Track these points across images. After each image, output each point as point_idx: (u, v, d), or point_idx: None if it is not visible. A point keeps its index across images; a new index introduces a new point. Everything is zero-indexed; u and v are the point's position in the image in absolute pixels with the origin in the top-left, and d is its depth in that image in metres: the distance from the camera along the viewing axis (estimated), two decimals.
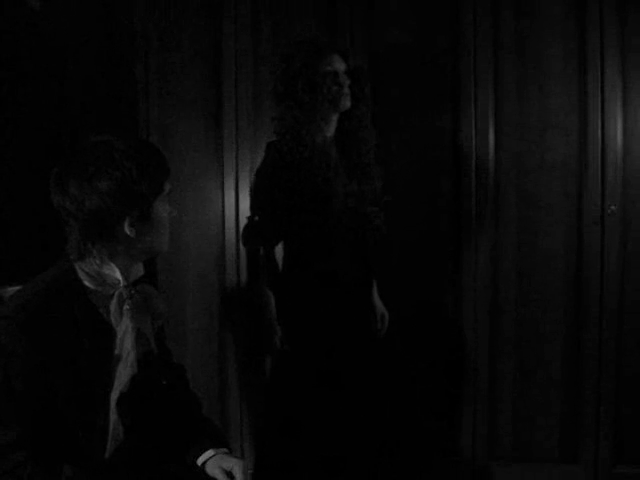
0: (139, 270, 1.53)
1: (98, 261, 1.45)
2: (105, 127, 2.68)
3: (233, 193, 2.70)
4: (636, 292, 2.60)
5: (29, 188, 2.47)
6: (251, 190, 2.25)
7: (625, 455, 2.63)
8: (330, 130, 2.21)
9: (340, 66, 2.16)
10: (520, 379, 2.68)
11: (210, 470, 1.54)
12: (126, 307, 1.47)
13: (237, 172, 2.70)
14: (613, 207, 2.57)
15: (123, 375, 1.46)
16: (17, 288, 1.51)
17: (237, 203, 2.70)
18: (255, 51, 2.69)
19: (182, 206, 2.66)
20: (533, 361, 2.67)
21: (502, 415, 2.70)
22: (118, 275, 1.46)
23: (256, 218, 2.24)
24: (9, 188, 2.50)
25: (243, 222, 2.74)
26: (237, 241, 2.70)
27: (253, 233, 2.24)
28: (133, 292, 1.49)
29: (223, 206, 2.71)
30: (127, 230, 1.43)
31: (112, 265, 1.46)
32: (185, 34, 2.73)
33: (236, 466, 1.52)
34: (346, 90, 2.15)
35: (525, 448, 2.69)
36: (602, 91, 2.56)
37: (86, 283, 1.45)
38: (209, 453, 1.57)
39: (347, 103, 2.16)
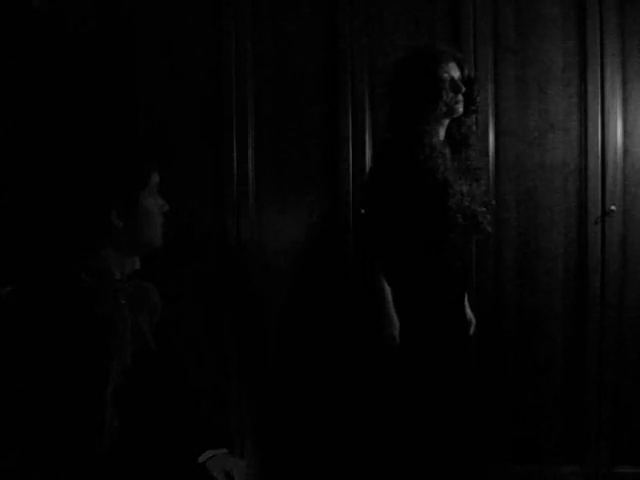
0: (134, 264, 1.52)
1: (91, 255, 1.45)
2: (103, 122, 2.70)
3: (234, 191, 2.72)
4: (637, 292, 2.61)
5: (27, 186, 2.49)
6: (368, 186, 2.28)
7: (625, 455, 2.64)
8: (442, 134, 2.27)
9: (455, 73, 2.23)
10: (521, 379, 2.68)
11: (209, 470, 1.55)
12: (122, 301, 1.47)
13: (237, 168, 2.72)
14: (613, 207, 2.57)
15: (119, 369, 1.45)
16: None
17: (238, 200, 2.71)
18: (256, 51, 2.70)
19: (182, 202, 2.67)
20: (534, 361, 2.67)
21: (503, 415, 2.69)
22: (112, 269, 1.46)
23: (373, 214, 2.25)
24: (7, 188, 2.51)
25: (244, 219, 2.74)
26: (238, 234, 2.70)
27: (371, 228, 2.24)
28: (128, 286, 1.49)
29: (223, 202, 2.72)
30: (115, 222, 1.43)
31: (105, 259, 1.46)
32: (186, 31, 2.74)
33: (235, 467, 1.53)
34: (460, 97, 2.22)
35: (525, 448, 2.69)
36: (602, 91, 2.56)
37: (81, 278, 1.44)
38: (208, 454, 1.57)
39: (460, 109, 2.23)
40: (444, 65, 2.21)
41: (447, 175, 2.20)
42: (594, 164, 2.58)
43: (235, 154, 2.72)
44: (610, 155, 2.57)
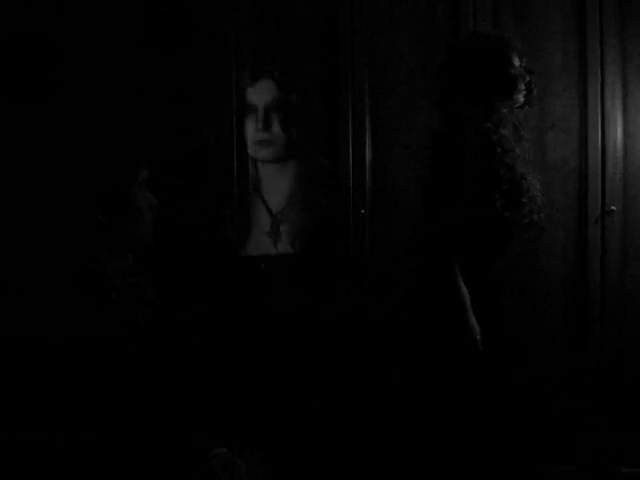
0: (126, 260, 1.52)
1: (82, 252, 1.45)
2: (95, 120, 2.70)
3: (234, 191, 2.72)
4: (637, 292, 2.61)
5: (17, 184, 2.49)
6: (435, 182, 2.13)
7: (626, 456, 2.63)
8: None
9: (517, 62, 2.14)
10: (520, 379, 2.68)
11: None
12: (112, 296, 1.47)
13: (237, 168, 2.72)
14: (613, 207, 2.57)
15: (111, 364, 1.45)
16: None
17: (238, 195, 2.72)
18: (255, 49, 2.71)
19: (182, 202, 2.67)
20: (533, 360, 2.67)
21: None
22: (103, 265, 1.46)
23: (447, 212, 2.11)
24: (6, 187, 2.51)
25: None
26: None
27: (446, 228, 2.10)
28: (119, 282, 1.49)
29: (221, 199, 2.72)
30: (102, 218, 1.43)
31: (96, 256, 1.46)
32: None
33: (236, 467, 1.53)
34: (523, 86, 2.15)
35: (525, 447, 2.69)
36: (602, 91, 2.57)
37: (72, 274, 1.44)
38: (209, 453, 1.57)
39: (522, 99, 2.16)
40: (512, 52, 2.12)
41: (522, 169, 2.10)
42: (594, 164, 2.58)
43: (235, 154, 2.72)
44: (610, 155, 2.58)
